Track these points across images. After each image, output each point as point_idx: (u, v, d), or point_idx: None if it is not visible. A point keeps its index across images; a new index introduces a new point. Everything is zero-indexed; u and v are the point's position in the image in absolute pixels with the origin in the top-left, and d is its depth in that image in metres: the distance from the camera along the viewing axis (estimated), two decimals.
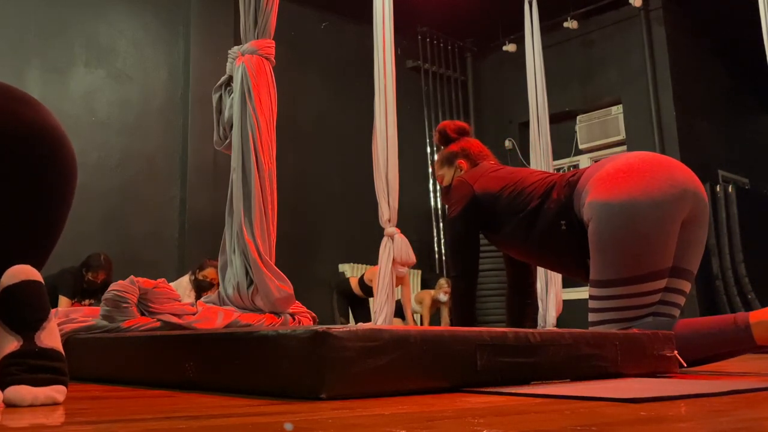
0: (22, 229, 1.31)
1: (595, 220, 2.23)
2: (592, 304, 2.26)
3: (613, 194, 2.20)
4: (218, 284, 2.55)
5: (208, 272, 5.53)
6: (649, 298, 2.19)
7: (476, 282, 2.68)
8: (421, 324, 6.67)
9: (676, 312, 2.31)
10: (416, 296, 6.85)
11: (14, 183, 1.28)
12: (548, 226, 2.40)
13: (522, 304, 2.82)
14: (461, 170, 2.82)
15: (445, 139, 2.94)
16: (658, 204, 2.17)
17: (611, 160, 2.36)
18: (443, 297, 6.61)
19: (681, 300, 2.32)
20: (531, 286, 2.86)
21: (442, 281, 6.76)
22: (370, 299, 6.02)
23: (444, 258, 7.86)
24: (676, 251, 2.24)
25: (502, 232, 2.57)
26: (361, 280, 6.15)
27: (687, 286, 2.33)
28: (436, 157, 2.98)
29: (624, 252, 2.18)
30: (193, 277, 5.60)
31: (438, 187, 8.06)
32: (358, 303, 6.10)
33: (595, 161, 7.53)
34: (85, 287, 5.31)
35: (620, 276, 2.18)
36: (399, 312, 6.77)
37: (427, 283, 7.28)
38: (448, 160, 2.88)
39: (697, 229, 2.30)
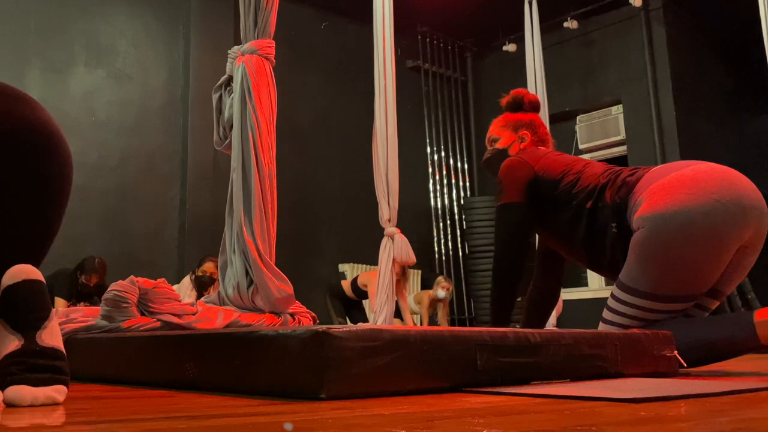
0: (20, 227, 1.31)
1: (645, 230, 2.07)
2: (611, 302, 2.17)
3: (670, 209, 2.03)
4: (218, 279, 2.55)
5: (207, 266, 5.52)
6: (668, 316, 2.11)
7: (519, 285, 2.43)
8: (420, 324, 6.66)
9: None
10: (415, 297, 6.84)
11: (10, 181, 1.28)
12: (600, 227, 2.24)
13: (545, 307, 2.68)
14: (522, 141, 2.59)
15: (516, 106, 2.69)
16: (717, 232, 2.01)
17: (676, 169, 2.16)
18: (442, 293, 6.58)
19: (703, 315, 2.24)
20: (558, 291, 2.71)
21: (440, 279, 6.75)
22: (365, 301, 6.03)
23: (444, 258, 7.85)
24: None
25: (556, 223, 2.37)
26: (353, 284, 6.12)
27: (714, 305, 2.23)
28: (491, 125, 2.72)
29: (666, 272, 2.06)
30: (193, 276, 5.60)
31: (438, 187, 8.07)
32: (353, 305, 6.09)
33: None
34: (79, 290, 5.31)
35: (652, 291, 2.07)
36: (398, 312, 6.77)
37: (426, 283, 7.28)
38: (514, 126, 2.63)
39: (751, 254, 2.15)
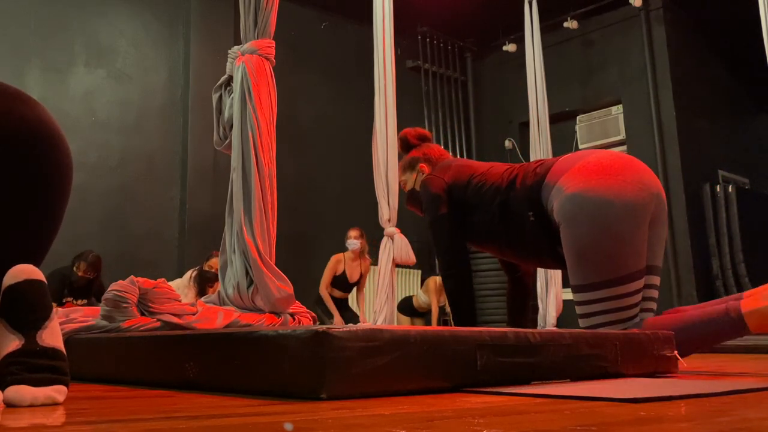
0: (21, 226, 1.31)
1: (568, 223, 2.23)
2: (579, 309, 2.27)
3: (588, 194, 2.20)
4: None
5: (213, 262, 5.49)
6: (633, 298, 2.21)
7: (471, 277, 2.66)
8: (431, 312, 6.68)
9: (653, 305, 2.36)
10: (422, 287, 6.91)
11: (11, 180, 1.28)
12: (516, 218, 2.41)
13: (521, 301, 2.82)
14: (423, 174, 2.82)
15: (407, 146, 2.96)
16: (631, 207, 2.19)
17: (581, 158, 2.36)
18: None
19: (655, 293, 2.36)
20: (529, 283, 2.86)
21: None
22: (349, 296, 6.06)
23: None
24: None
25: (474, 225, 2.55)
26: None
27: (658, 280, 2.38)
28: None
29: (601, 253, 2.19)
30: (195, 272, 5.54)
31: None
32: (341, 305, 6.08)
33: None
34: (73, 285, 5.30)
35: (601, 278, 2.19)
36: (408, 310, 6.79)
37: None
38: (410, 165, 2.89)
39: (661, 227, 2.35)
